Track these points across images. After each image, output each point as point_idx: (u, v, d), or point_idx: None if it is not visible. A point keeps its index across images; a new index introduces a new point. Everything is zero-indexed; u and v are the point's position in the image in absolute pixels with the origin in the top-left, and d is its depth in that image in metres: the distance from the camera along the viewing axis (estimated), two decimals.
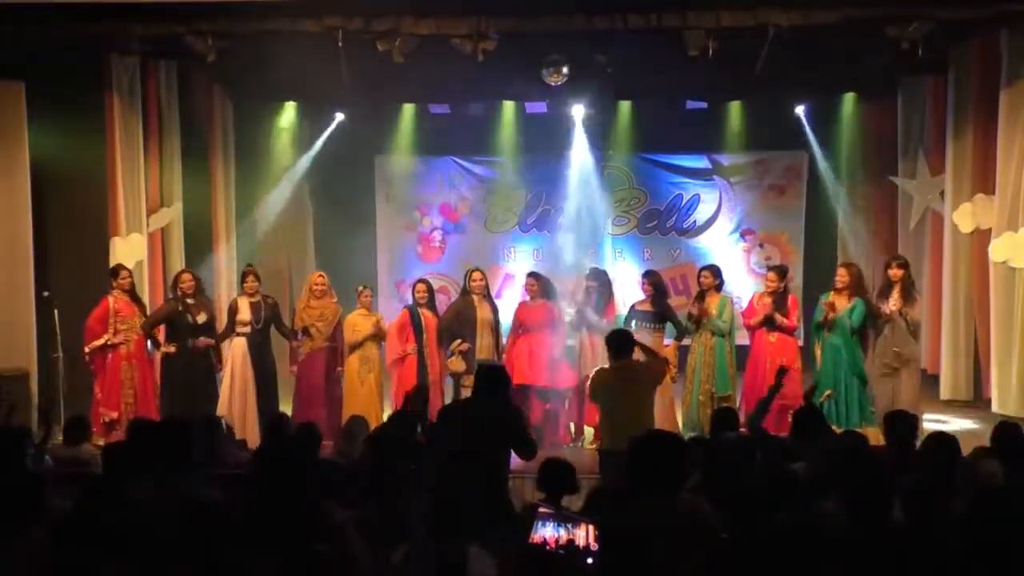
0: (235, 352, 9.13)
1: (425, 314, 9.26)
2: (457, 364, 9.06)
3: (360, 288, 9.44)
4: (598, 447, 7.27)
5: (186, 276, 9.25)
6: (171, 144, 11.13)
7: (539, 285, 9.31)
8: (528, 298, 9.41)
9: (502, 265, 13.62)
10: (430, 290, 9.46)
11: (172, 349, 9.02)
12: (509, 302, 12.45)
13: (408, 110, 13.03)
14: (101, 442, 8.59)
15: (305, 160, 13.07)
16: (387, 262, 13.77)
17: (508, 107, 12.90)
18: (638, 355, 7.39)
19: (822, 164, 12.80)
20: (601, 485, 5.63)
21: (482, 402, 5.91)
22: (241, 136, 12.40)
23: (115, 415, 8.97)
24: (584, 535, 4.20)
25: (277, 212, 12.85)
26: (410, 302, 9.47)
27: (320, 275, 9.47)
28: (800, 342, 9.24)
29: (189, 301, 9.13)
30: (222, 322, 9.44)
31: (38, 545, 3.94)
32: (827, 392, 8.67)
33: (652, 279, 9.37)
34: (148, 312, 9.37)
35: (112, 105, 10.12)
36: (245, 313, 9.17)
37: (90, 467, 6.46)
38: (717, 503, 4.29)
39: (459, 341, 9.07)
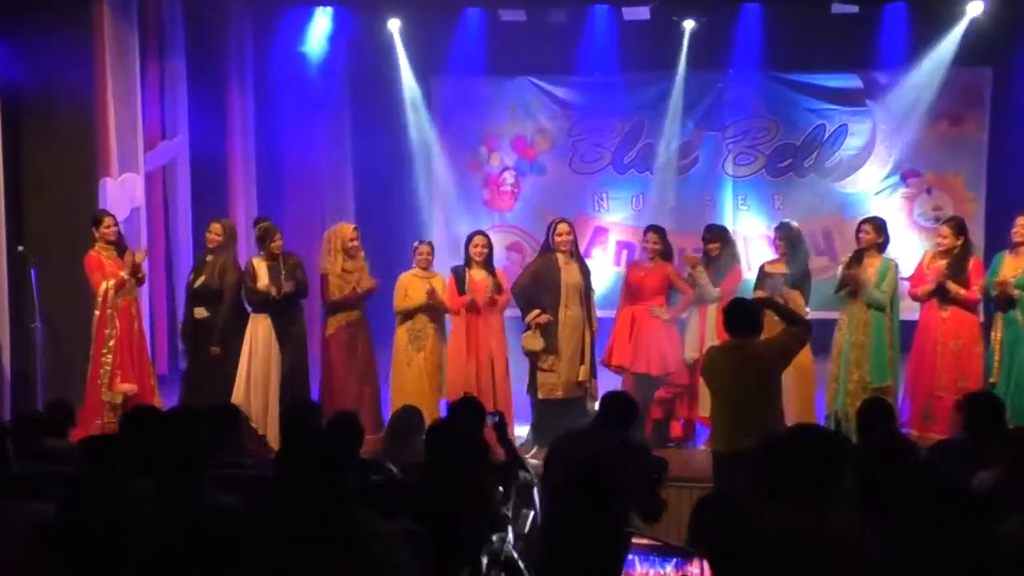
0: (256, 328, 9.24)
1: (473, 276, 9.26)
2: (534, 341, 9.06)
3: (416, 244, 9.51)
4: (711, 447, 7.26)
5: (214, 227, 9.57)
6: (174, 63, 11.22)
7: (662, 243, 9.39)
8: (646, 258, 9.44)
9: (592, 215, 13.54)
10: (490, 245, 9.46)
11: (205, 313, 9.39)
12: (599, 263, 12.43)
13: (473, 17, 12.97)
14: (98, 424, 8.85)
15: (342, 82, 13.09)
16: (444, 210, 13.76)
17: (600, 13, 12.77)
18: (772, 325, 7.30)
19: (1014, 84, 12.47)
20: (714, 495, 5.62)
21: (604, 436, 5.98)
22: (262, 52, 12.46)
23: (135, 388, 9.17)
24: (699, 573, 4.17)
25: (308, 146, 12.91)
26: (461, 263, 9.50)
27: (355, 228, 9.56)
28: (981, 317, 9.06)
29: (208, 257, 9.36)
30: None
31: (11, 552, 4.02)
32: (991, 379, 8.64)
33: (785, 233, 9.32)
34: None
35: (102, 15, 10.20)
36: (264, 278, 9.25)
37: (74, 464, 6.57)
38: (870, 521, 4.22)
39: (536, 312, 9.05)
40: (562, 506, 4.69)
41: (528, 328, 9.11)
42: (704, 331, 9.15)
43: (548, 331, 9.06)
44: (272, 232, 9.36)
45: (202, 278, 9.37)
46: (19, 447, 6.62)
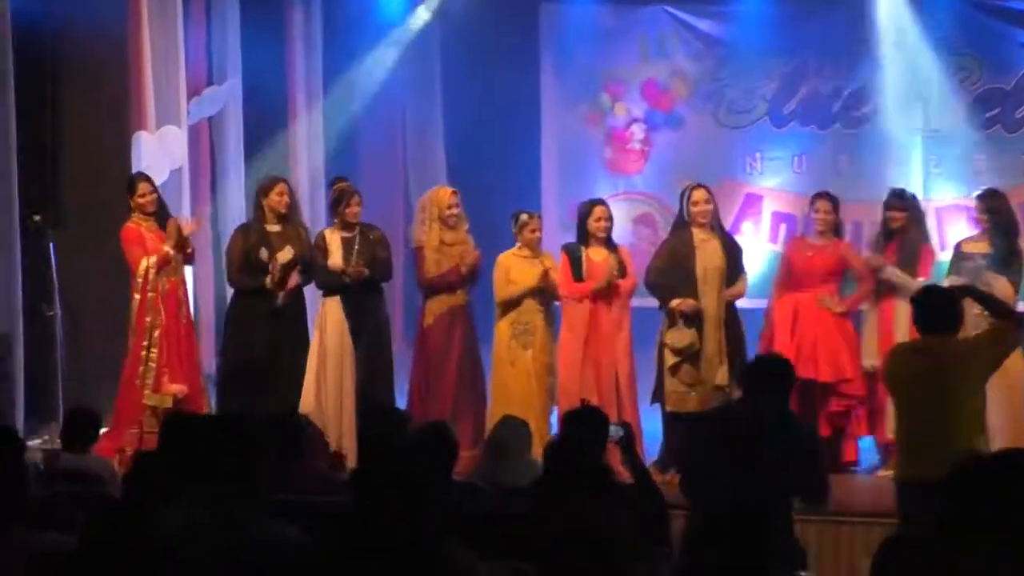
0: (327, 317, 9.31)
1: (592, 256, 9.20)
2: (682, 335, 8.97)
3: (524, 216, 9.45)
4: (895, 475, 7.18)
5: (280, 187, 9.54)
6: None
7: (834, 214, 9.33)
8: (815, 232, 9.39)
9: (742, 179, 13.42)
10: (612, 217, 9.42)
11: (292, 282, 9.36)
12: (751, 240, 12.30)
13: None
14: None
15: (428, 12, 13.13)
16: (556, 174, 13.73)
17: None
18: (974, 320, 7.19)
19: None
20: (898, 535, 5.59)
21: (755, 408, 6.07)
22: None
23: (185, 389, 9.26)
24: None
25: (387, 93, 12.96)
26: (575, 239, 9.51)
27: (454, 193, 9.56)
28: None
29: (272, 228, 9.37)
30: None
31: None
32: None
33: (989, 203, 9.17)
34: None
35: None
36: (337, 254, 9.31)
37: (102, 485, 6.66)
38: None
39: (678, 300, 8.99)
40: (711, 557, 4.69)
41: (672, 320, 9.03)
42: (891, 328, 8.99)
43: (693, 321, 8.97)
44: (348, 195, 9.37)
45: (288, 250, 9.30)
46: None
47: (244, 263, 9.40)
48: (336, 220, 9.44)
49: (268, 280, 9.18)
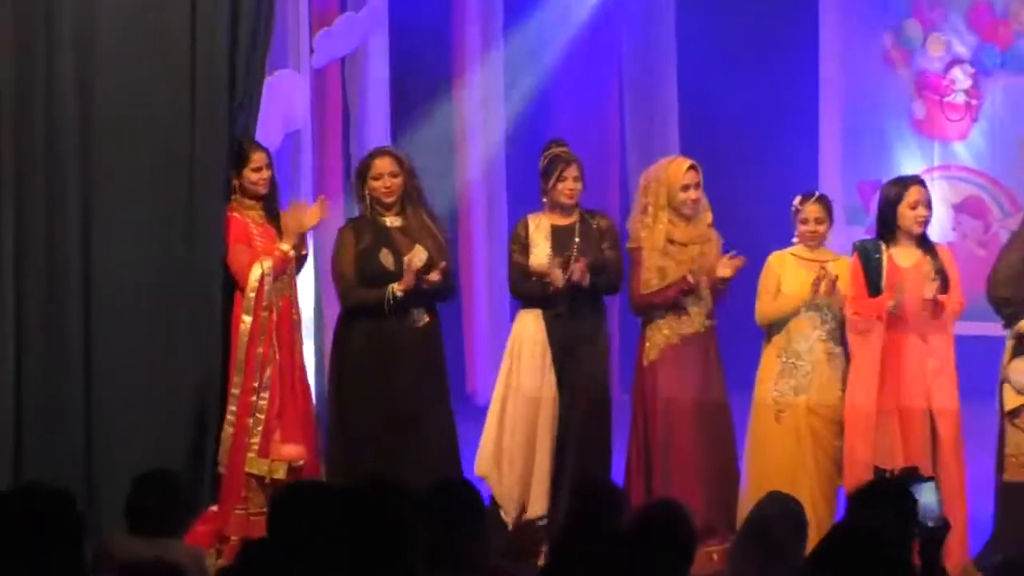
0: (523, 338, 9.33)
1: (896, 259, 9.07)
2: None
3: (796, 201, 9.29)
4: None
5: (383, 163, 9.45)
6: None
7: None
8: None
9: None
10: (928, 203, 9.23)
11: (425, 319, 9.34)
12: None
13: None
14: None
15: None
16: (841, 141, 13.70)
17: None
18: None
19: None
20: None
21: None
22: None
23: (304, 453, 9.21)
24: None
25: (598, 33, 13.01)
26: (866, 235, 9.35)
27: (692, 167, 9.42)
28: None
29: (388, 222, 9.33)
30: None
31: None
32: None
33: None
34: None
35: None
36: (542, 251, 9.30)
37: None
38: None
39: None
40: None
41: (1020, 348, 8.90)
42: None
43: None
44: (563, 164, 9.29)
45: (420, 251, 9.19)
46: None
47: (360, 273, 9.35)
48: (545, 201, 9.34)
49: (397, 289, 9.07)
